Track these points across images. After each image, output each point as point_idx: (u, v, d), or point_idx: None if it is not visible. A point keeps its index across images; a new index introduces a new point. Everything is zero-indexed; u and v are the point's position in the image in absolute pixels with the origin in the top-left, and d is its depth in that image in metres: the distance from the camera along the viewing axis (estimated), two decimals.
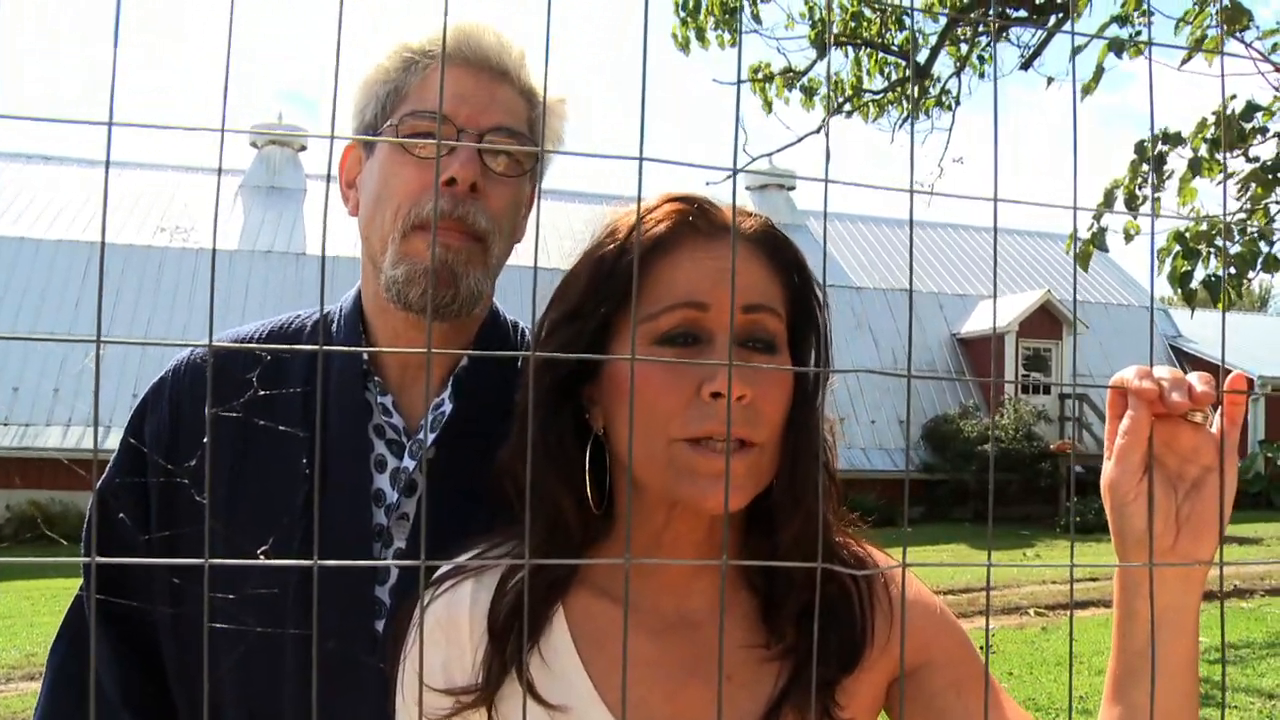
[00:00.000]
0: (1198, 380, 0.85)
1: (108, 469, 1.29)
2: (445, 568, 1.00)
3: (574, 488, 0.94)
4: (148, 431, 1.26)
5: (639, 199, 0.56)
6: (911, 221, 0.54)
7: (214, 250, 0.58)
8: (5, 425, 16.28)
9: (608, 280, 0.93)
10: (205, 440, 1.20)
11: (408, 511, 1.20)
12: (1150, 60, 0.78)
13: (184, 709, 1.24)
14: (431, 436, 1.21)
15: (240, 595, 1.16)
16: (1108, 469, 0.87)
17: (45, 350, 16.84)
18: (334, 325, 1.30)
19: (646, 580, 0.99)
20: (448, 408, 1.22)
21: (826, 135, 0.59)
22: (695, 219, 0.93)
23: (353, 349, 0.79)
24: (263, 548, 1.17)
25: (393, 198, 1.17)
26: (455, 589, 0.98)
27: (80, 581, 1.29)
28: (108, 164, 0.57)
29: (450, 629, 0.97)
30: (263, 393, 1.22)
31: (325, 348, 0.66)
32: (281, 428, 1.21)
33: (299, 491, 1.19)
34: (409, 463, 1.21)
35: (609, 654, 0.96)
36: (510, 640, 0.93)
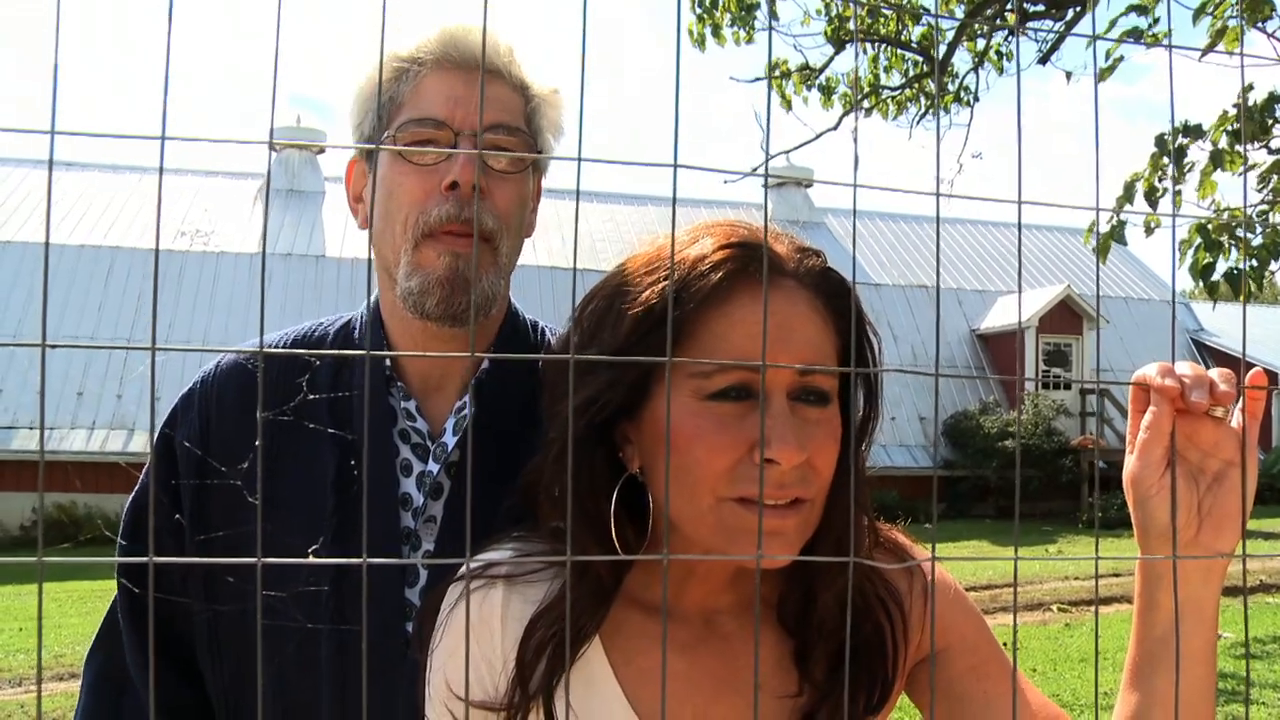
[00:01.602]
0: (1219, 377, 0.87)
1: (141, 478, 1.31)
2: (480, 561, 0.99)
3: (600, 535, 0.92)
4: (179, 440, 1.27)
5: (673, 207, 0.58)
6: (939, 223, 0.55)
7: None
8: (31, 428, 16.43)
9: (657, 329, 0.88)
10: (256, 443, 1.23)
11: (434, 515, 1.22)
12: (1170, 50, 0.79)
13: (221, 711, 1.26)
14: (453, 440, 1.23)
15: (279, 596, 1.18)
16: (1130, 464, 0.89)
17: (68, 354, 16.97)
18: (355, 333, 1.31)
19: (677, 594, 0.98)
20: (469, 410, 1.23)
21: (855, 140, 0.61)
22: (754, 267, 0.89)
23: (398, 353, 0.81)
24: (313, 546, 1.19)
25: (400, 209, 1.18)
26: (486, 591, 0.97)
27: (114, 588, 1.31)
28: (160, 174, 0.59)
29: (481, 631, 0.96)
30: (312, 397, 1.24)
31: (372, 352, 0.68)
32: (311, 425, 1.23)
33: (330, 495, 1.21)
34: (434, 466, 1.22)
35: (639, 666, 0.96)
36: (535, 674, 0.92)
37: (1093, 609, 9.30)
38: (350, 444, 1.23)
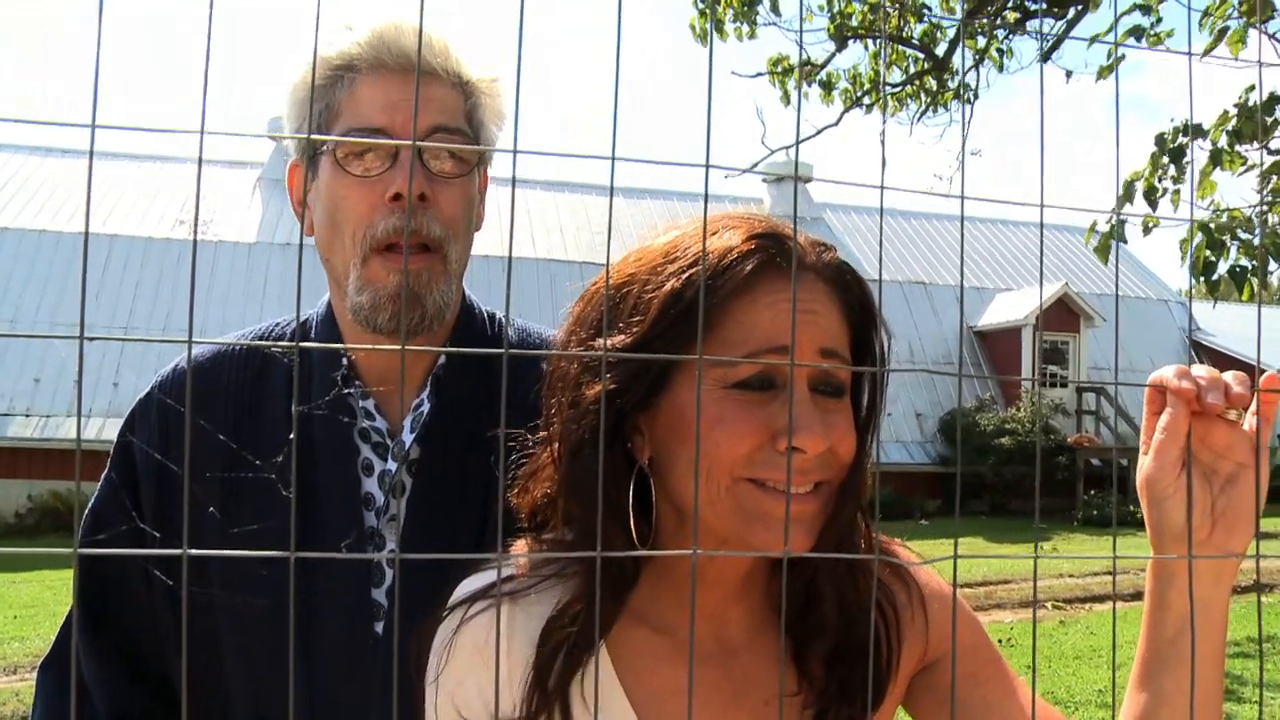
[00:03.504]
0: (1234, 381, 0.88)
1: (100, 483, 1.28)
2: (470, 588, 0.97)
3: (624, 525, 0.92)
4: (137, 444, 1.26)
5: (705, 207, 0.58)
6: (963, 225, 0.56)
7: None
8: (27, 416, 16.41)
9: (684, 318, 0.88)
10: (217, 441, 1.21)
11: (396, 513, 1.21)
12: (1191, 57, 0.80)
13: (193, 712, 1.24)
14: (411, 437, 1.22)
15: (244, 596, 1.18)
16: (1145, 464, 0.89)
17: (66, 341, 16.94)
18: (312, 332, 1.30)
19: (684, 609, 0.97)
20: (426, 407, 1.23)
21: (883, 142, 0.61)
22: (779, 258, 0.89)
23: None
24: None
25: (346, 222, 1.16)
26: (492, 613, 0.95)
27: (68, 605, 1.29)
28: (199, 167, 0.60)
29: (487, 655, 0.94)
30: (291, 390, 1.23)
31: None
32: (270, 423, 1.22)
33: (290, 493, 1.19)
34: (393, 465, 1.22)
35: (648, 683, 0.96)
36: (553, 673, 0.92)
37: (1087, 606, 9.33)
38: (309, 441, 1.22)
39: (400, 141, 1.14)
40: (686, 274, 0.88)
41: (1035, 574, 0.63)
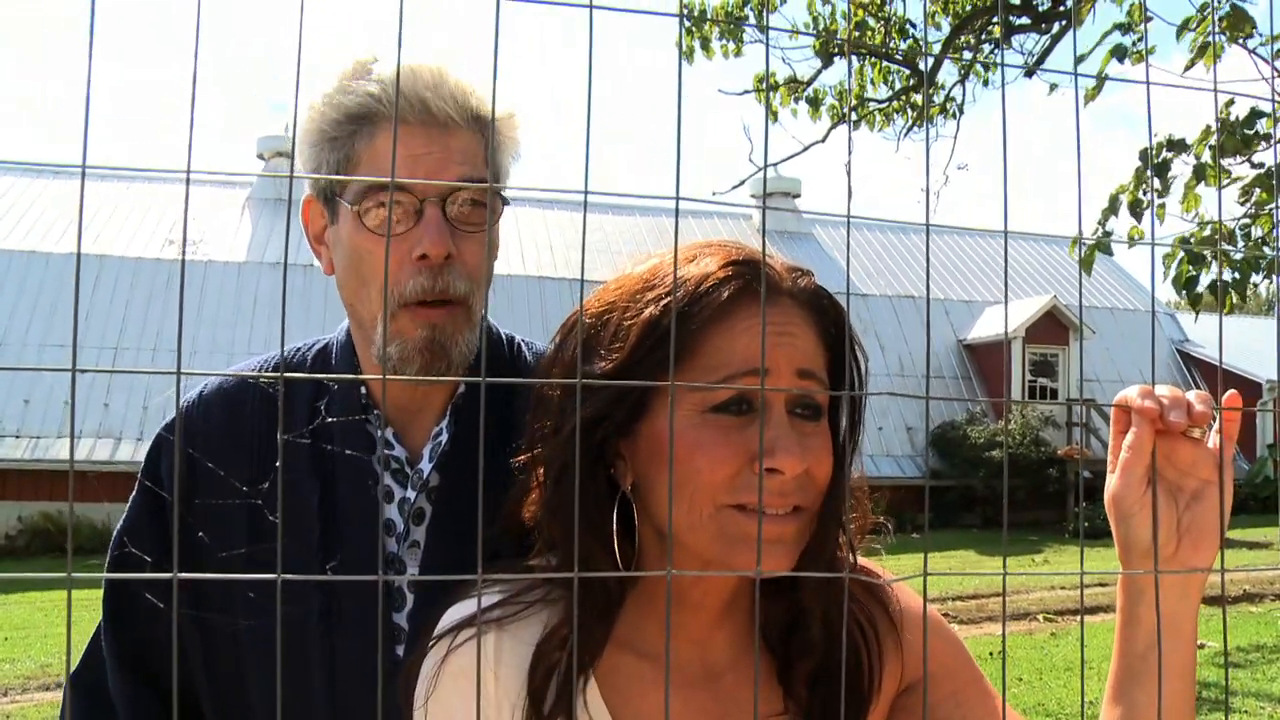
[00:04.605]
0: (1196, 399, 0.90)
1: (126, 511, 1.31)
2: (455, 616, 0.97)
3: (608, 550, 0.93)
4: (164, 471, 1.28)
5: (675, 243, 0.60)
6: (928, 250, 0.58)
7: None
8: (17, 438, 16.35)
9: (662, 344, 0.89)
10: (243, 466, 1.24)
11: (418, 539, 1.23)
12: (1215, 91, 0.82)
13: None
14: (429, 465, 1.24)
15: (269, 619, 1.19)
16: (1112, 482, 0.92)
17: (55, 363, 16.89)
18: (332, 357, 1.31)
19: (674, 637, 0.98)
20: (445, 435, 1.24)
21: (849, 172, 0.63)
22: (755, 284, 0.91)
23: (411, 378, 0.82)
24: (302, 572, 1.20)
25: (374, 276, 1.18)
26: (473, 642, 0.95)
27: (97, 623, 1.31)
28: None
29: (474, 684, 0.93)
30: (327, 421, 1.25)
31: (388, 378, 0.70)
32: (296, 450, 1.25)
33: (317, 521, 1.22)
34: (412, 493, 1.24)
35: (635, 709, 0.97)
36: (549, 699, 0.93)
37: (1078, 619, 9.34)
38: (332, 469, 1.24)
39: (382, 178, 1.16)
40: (664, 301, 0.90)
41: (1004, 591, 0.66)
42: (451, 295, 1.17)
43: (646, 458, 0.93)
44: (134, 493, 1.31)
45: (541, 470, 0.97)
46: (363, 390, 1.25)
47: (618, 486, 0.95)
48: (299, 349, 1.35)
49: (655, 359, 0.89)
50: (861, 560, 1.06)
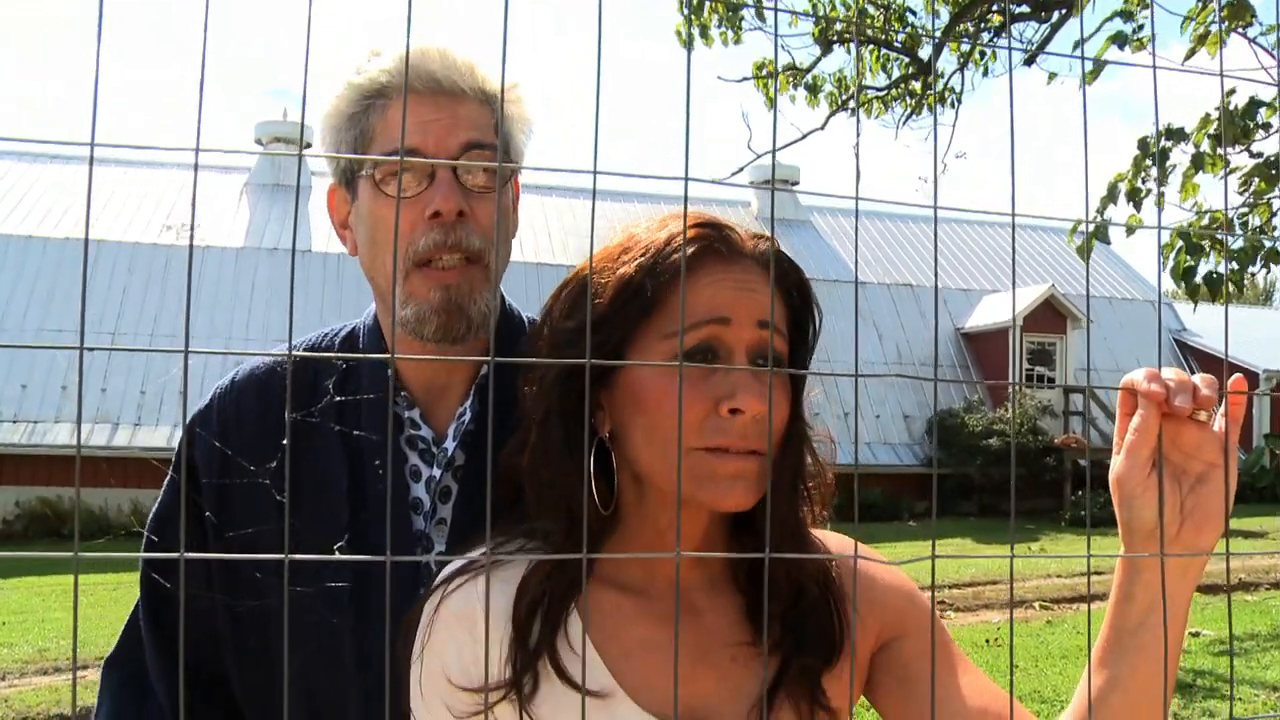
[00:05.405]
0: (1202, 383, 0.91)
1: (160, 496, 1.35)
2: (454, 564, 1.03)
3: (590, 490, 0.98)
4: (199, 456, 1.31)
5: (684, 216, 0.60)
6: (936, 234, 0.58)
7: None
8: (14, 422, 16.36)
9: (634, 298, 0.98)
10: (275, 445, 1.27)
11: (444, 517, 1.26)
12: (1222, 81, 0.82)
13: (253, 713, 1.29)
14: (454, 444, 1.27)
15: (304, 591, 1.21)
16: (1117, 464, 0.92)
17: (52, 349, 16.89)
18: (360, 341, 1.35)
19: (654, 572, 1.05)
20: (469, 415, 1.27)
21: (857, 155, 0.63)
22: (718, 244, 0.99)
23: (422, 357, 0.82)
24: (338, 543, 1.22)
25: (387, 242, 1.22)
26: (472, 584, 1.01)
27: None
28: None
29: (470, 624, 0.99)
30: (339, 398, 1.27)
31: (398, 355, 0.70)
32: (324, 430, 1.26)
33: (346, 500, 1.25)
34: (438, 471, 1.26)
35: (620, 642, 1.01)
36: (534, 631, 0.97)
37: (1074, 606, 9.39)
38: (359, 450, 1.27)
39: (435, 160, 1.21)
40: (637, 261, 0.99)
41: (1011, 575, 0.66)
42: (465, 249, 1.21)
43: (622, 405, 1.00)
44: (165, 481, 1.35)
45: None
46: (390, 370, 1.27)
47: (596, 433, 1.01)
48: (326, 334, 1.38)
49: (629, 311, 0.98)
50: (863, 548, 1.08)
